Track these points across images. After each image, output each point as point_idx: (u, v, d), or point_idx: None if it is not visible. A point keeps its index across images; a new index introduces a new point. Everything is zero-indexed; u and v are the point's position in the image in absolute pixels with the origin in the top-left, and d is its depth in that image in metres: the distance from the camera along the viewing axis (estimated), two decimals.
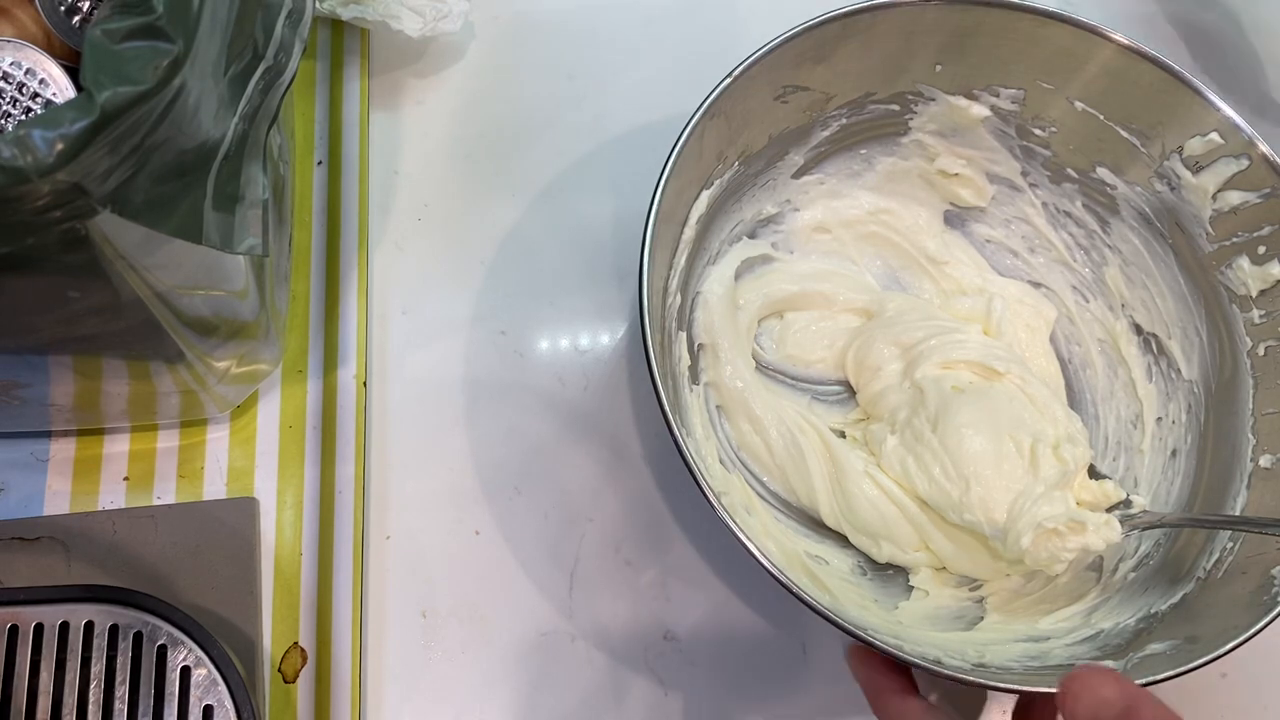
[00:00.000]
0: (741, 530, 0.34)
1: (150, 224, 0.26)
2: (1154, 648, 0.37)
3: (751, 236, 0.48)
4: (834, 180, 0.49)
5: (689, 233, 0.43)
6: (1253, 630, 0.35)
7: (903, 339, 0.46)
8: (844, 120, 0.46)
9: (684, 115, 0.40)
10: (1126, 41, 0.42)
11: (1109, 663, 0.37)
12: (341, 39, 0.49)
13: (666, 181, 0.39)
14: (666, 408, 0.36)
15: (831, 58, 0.43)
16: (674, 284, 0.43)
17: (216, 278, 0.32)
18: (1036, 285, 0.49)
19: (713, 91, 0.40)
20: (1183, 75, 0.42)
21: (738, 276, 0.47)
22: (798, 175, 0.48)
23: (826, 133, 0.47)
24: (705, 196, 0.43)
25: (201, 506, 0.42)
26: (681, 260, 0.43)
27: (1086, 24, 0.42)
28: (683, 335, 0.44)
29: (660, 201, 0.38)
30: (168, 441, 0.43)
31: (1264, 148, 0.42)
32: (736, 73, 0.40)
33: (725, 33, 0.54)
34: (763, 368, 0.48)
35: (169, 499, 0.43)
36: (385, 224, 0.48)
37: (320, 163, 0.48)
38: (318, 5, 0.48)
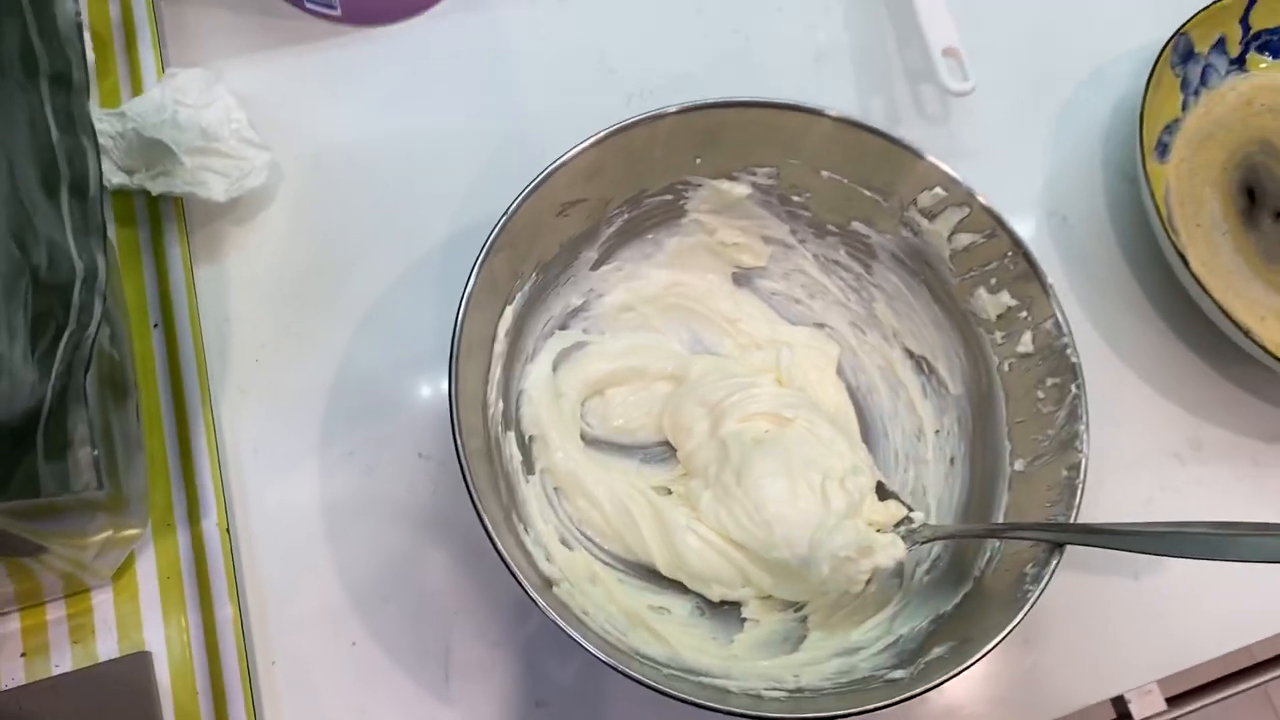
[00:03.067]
0: (561, 619, 0.40)
1: None
2: (936, 652, 0.44)
3: (563, 328, 0.53)
4: (629, 265, 0.54)
5: (500, 346, 0.48)
6: (1009, 629, 0.42)
7: (707, 399, 0.52)
8: (626, 216, 0.52)
9: (491, 217, 0.45)
10: (839, 115, 0.48)
11: (899, 673, 0.43)
12: (157, 205, 0.53)
13: (462, 324, 0.43)
14: (494, 536, 0.41)
15: (600, 173, 0.48)
16: (493, 395, 0.48)
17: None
18: (821, 326, 0.56)
19: (490, 234, 0.45)
20: (900, 141, 0.49)
21: (556, 367, 0.52)
22: (595, 267, 0.53)
23: (612, 229, 0.52)
24: (509, 312, 0.48)
25: (98, 670, 0.46)
26: (497, 370, 0.48)
27: (807, 107, 0.48)
28: (510, 434, 0.49)
29: (459, 342, 0.43)
30: (56, 612, 0.47)
31: (981, 198, 0.48)
32: (511, 210, 0.45)
33: (515, 135, 0.59)
34: (593, 442, 0.53)
35: (66, 666, 0.46)
36: (225, 371, 0.52)
37: (156, 325, 0.52)
38: (128, 180, 0.52)
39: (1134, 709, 0.59)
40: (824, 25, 0.63)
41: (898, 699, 0.41)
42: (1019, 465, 0.48)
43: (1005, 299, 0.49)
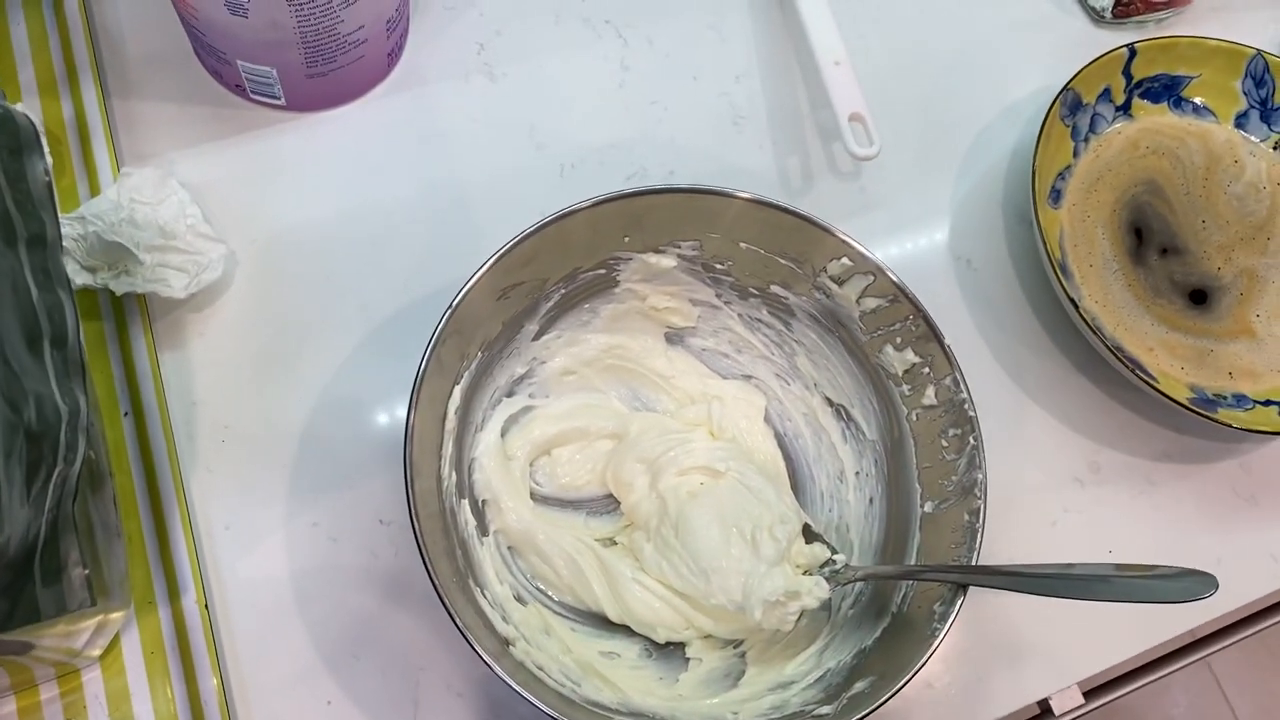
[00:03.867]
0: (515, 682, 0.44)
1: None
2: (858, 687, 0.49)
3: (510, 395, 0.57)
4: (569, 332, 0.58)
5: (450, 423, 0.52)
6: (918, 666, 0.47)
7: (646, 455, 0.56)
8: (562, 291, 0.56)
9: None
10: (750, 196, 0.53)
11: (826, 709, 0.48)
12: (120, 300, 0.56)
13: (414, 411, 0.47)
14: (451, 608, 0.45)
15: (536, 258, 0.52)
16: (446, 468, 0.52)
17: None
18: (749, 378, 0.60)
19: (435, 328, 0.49)
20: (809, 218, 0.53)
21: (504, 432, 0.56)
22: (536, 338, 0.57)
23: (550, 303, 0.56)
24: (458, 391, 0.52)
25: None
26: (449, 446, 0.52)
27: (719, 190, 0.53)
28: (465, 502, 0.53)
29: (411, 428, 0.47)
30: (49, 692, 0.51)
31: (884, 269, 0.53)
32: (454, 303, 0.49)
33: (456, 208, 0.62)
34: (542, 500, 0.57)
35: None
36: (194, 452, 0.56)
37: (126, 414, 0.55)
38: (92, 280, 0.55)
39: (1054, 704, 0.64)
40: (739, 91, 0.67)
41: None
42: (928, 508, 0.53)
43: (910, 356, 0.54)
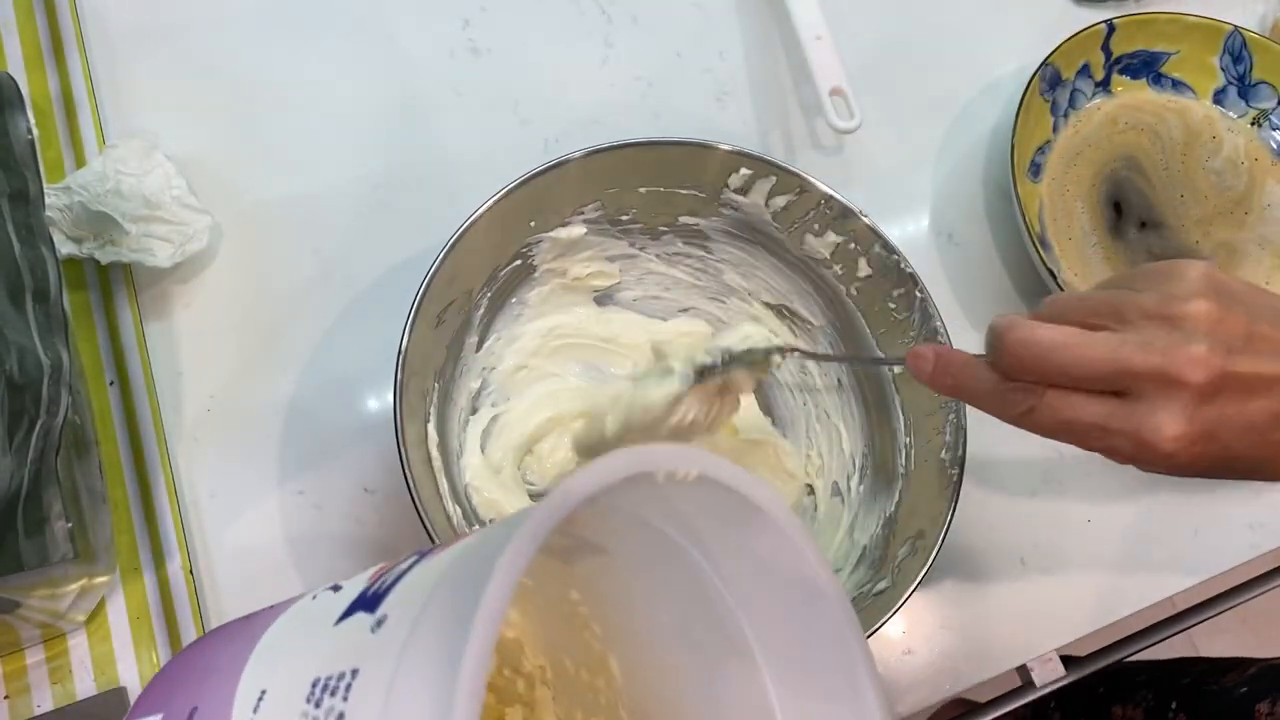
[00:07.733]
0: None
1: None
2: (901, 553, 0.49)
3: (474, 412, 0.57)
4: (506, 331, 0.58)
5: (436, 461, 0.51)
6: (949, 515, 0.48)
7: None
8: (488, 295, 0.55)
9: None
10: (637, 140, 0.53)
11: (882, 583, 0.49)
12: (106, 269, 0.57)
13: (407, 457, 0.46)
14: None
15: (458, 275, 0.51)
16: (450, 506, 0.51)
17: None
18: (686, 311, 0.61)
19: (395, 381, 0.47)
20: (691, 141, 0.54)
21: (483, 447, 0.56)
22: (479, 348, 0.57)
23: (480, 310, 0.55)
24: (431, 429, 0.52)
25: (78, 707, 0.50)
26: (442, 481, 0.51)
27: (606, 146, 0.53)
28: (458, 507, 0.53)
29: (410, 476, 0.46)
30: (35, 656, 0.51)
31: (782, 164, 0.54)
32: (404, 347, 0.48)
33: (438, 181, 0.63)
34: (538, 496, 0.56)
35: (47, 705, 0.50)
36: (180, 421, 0.56)
37: (112, 383, 0.55)
38: (77, 250, 0.55)
39: (1035, 676, 0.65)
40: (721, 67, 0.68)
41: (899, 604, 0.47)
42: (898, 369, 0.54)
43: (831, 238, 0.55)
